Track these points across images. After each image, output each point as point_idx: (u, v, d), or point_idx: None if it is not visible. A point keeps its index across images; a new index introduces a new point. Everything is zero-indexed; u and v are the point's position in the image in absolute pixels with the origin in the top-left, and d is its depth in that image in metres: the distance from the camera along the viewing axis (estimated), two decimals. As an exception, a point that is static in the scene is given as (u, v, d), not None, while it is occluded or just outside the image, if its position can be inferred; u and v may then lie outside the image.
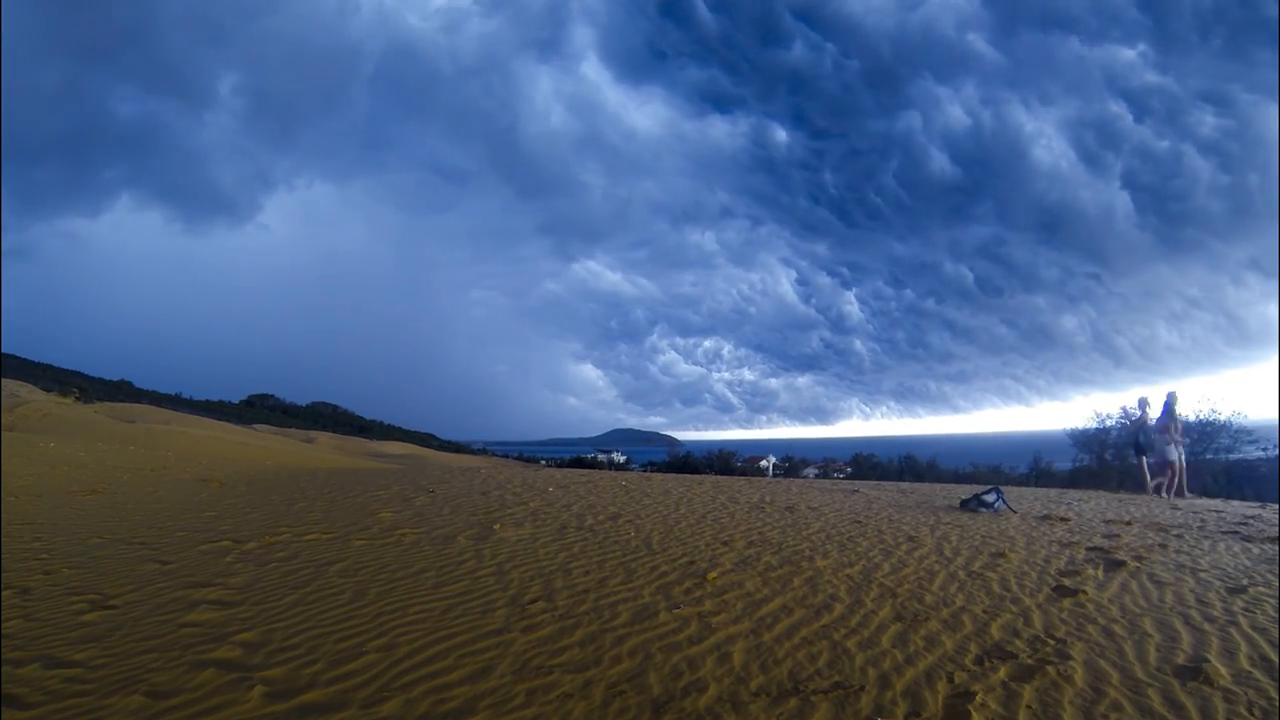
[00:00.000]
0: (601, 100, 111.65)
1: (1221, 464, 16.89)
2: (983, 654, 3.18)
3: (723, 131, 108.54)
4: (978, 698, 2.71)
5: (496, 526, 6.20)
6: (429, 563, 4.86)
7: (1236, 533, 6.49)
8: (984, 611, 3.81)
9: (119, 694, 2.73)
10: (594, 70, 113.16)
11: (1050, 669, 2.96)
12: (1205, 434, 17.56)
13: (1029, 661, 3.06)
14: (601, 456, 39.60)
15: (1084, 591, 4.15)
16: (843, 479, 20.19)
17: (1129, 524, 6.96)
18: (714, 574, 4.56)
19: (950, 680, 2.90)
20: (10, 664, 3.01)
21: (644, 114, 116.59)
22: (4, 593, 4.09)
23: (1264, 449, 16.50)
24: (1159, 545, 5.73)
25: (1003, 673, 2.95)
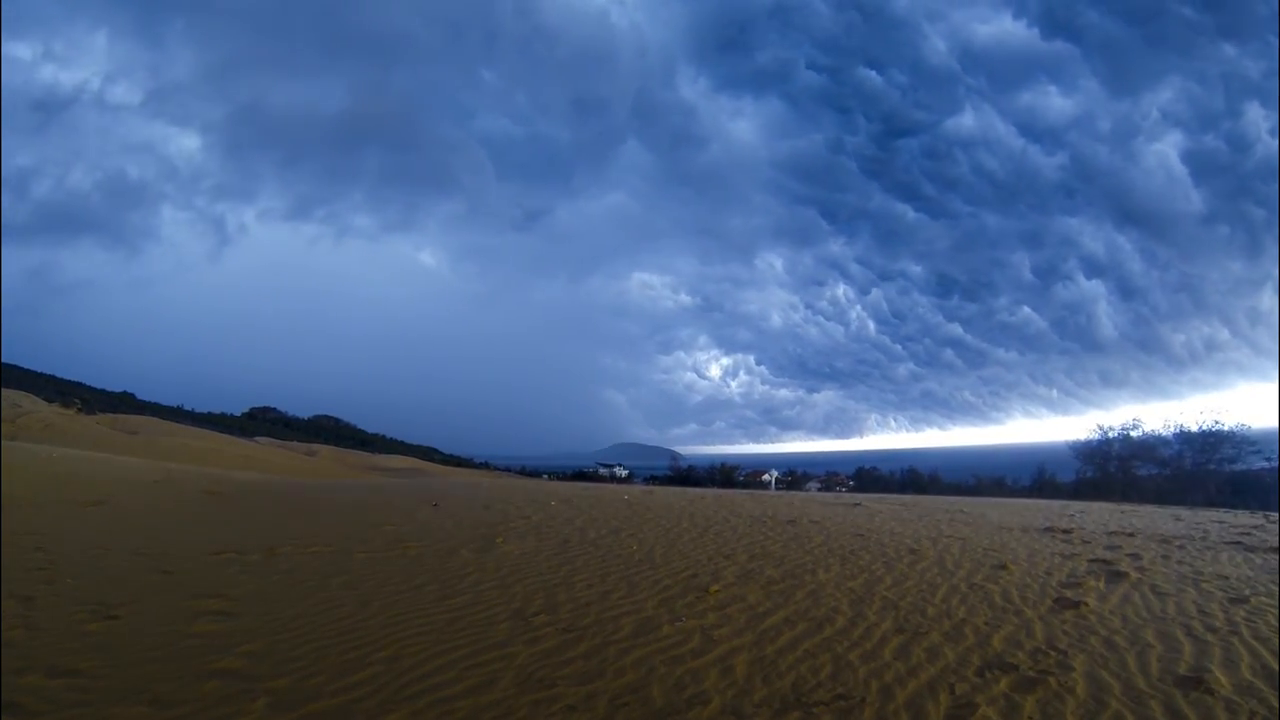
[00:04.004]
0: (693, 109, 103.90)
1: (1225, 474, 16.86)
2: (985, 665, 3.18)
3: (790, 144, 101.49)
4: (980, 709, 2.72)
5: (499, 540, 6.21)
6: (432, 575, 4.87)
7: (1239, 543, 6.48)
8: (986, 623, 3.81)
9: (122, 704, 2.74)
10: (687, 80, 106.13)
11: (1052, 680, 2.97)
12: (1209, 444, 17.54)
13: (1031, 673, 3.06)
14: (604, 470, 39.52)
15: (1086, 603, 4.15)
16: (845, 493, 20.12)
17: (1132, 535, 6.95)
18: (716, 587, 4.56)
19: (952, 692, 2.90)
20: (13, 673, 3.02)
21: (735, 126, 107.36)
22: (7, 602, 4.10)
23: (1267, 459, 16.49)
24: (1161, 556, 5.72)
25: (1004, 684, 2.96)
